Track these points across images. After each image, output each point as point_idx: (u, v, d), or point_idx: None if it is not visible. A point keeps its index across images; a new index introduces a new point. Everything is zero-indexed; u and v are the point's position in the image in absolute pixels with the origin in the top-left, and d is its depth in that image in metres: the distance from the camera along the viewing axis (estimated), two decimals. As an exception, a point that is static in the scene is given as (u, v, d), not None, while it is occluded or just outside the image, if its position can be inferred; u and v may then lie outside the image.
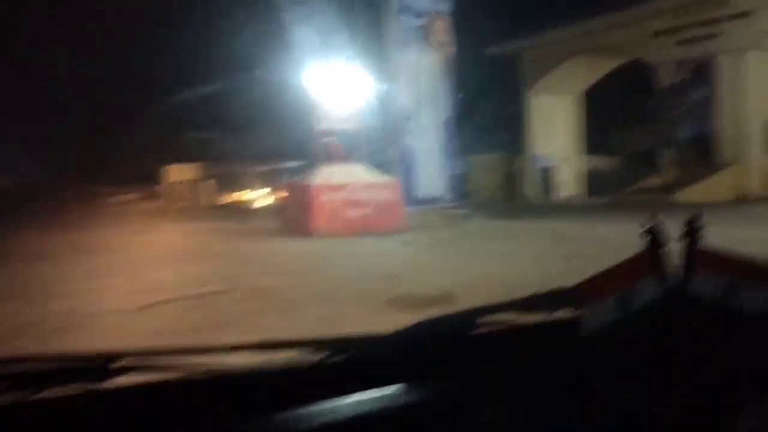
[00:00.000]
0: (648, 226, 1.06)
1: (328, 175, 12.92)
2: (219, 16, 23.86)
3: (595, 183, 33.08)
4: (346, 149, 13.62)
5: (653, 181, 23.28)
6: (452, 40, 14.60)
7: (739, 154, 21.46)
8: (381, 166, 13.48)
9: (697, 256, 1.01)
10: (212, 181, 25.04)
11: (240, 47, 21.44)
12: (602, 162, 35.36)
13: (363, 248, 10.34)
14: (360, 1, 13.49)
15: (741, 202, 20.93)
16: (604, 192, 31.42)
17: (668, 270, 1.02)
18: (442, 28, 14.36)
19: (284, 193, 14.14)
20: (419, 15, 13.74)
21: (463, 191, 15.21)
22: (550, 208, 21.80)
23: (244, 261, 9.19)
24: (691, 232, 1.03)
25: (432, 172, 13.78)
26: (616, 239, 10.59)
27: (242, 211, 20.38)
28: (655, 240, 1.05)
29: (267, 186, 24.61)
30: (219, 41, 22.58)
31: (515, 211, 19.93)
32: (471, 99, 31.62)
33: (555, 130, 29.59)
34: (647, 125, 23.66)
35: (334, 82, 13.06)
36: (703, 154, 22.33)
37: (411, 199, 13.17)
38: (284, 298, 6.31)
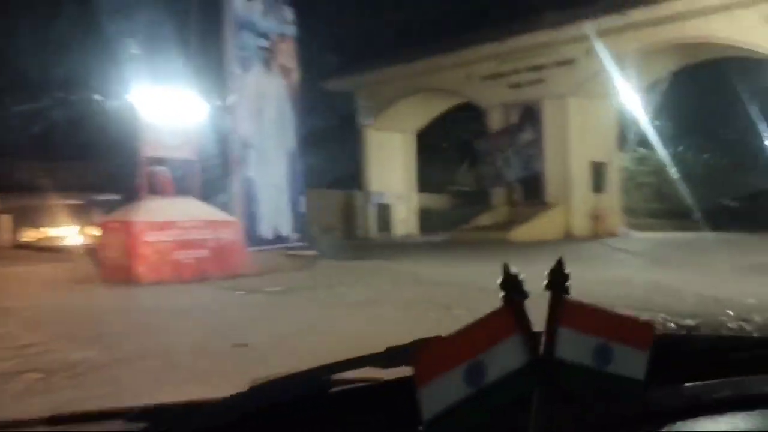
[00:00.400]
0: (505, 276, 0.89)
1: (154, 211, 11.07)
2: (28, 25, 20.69)
3: (427, 221, 33.64)
4: (176, 181, 11.88)
5: (486, 219, 23.75)
6: (297, 66, 13.51)
7: (566, 193, 22.57)
8: (218, 201, 11.88)
9: (563, 311, 0.87)
10: (8, 216, 21.45)
11: (50, 63, 18.65)
12: (435, 200, 36.12)
13: (200, 300, 8.72)
14: (196, 16, 11.96)
15: (568, 239, 21.96)
16: (436, 230, 31.96)
17: (530, 330, 0.87)
18: (287, 52, 13.23)
19: (101, 232, 11.96)
20: (262, 35, 12.48)
21: (306, 229, 13.98)
22: (393, 246, 21.29)
23: (46, 321, 7.17)
24: (556, 282, 0.89)
25: (276, 208, 12.44)
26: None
27: (46, 251, 17.42)
28: (513, 292, 0.88)
29: (79, 222, 21.55)
30: (25, 54, 19.47)
31: (361, 250, 19.09)
32: (313, 131, 30.94)
33: (391, 167, 29.57)
34: (480, 165, 24.16)
35: (164, 105, 11.34)
36: (532, 194, 23.22)
37: (253, 238, 11.71)
38: (103, 380, 4.63)
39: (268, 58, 12.66)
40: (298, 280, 10.43)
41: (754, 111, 32.72)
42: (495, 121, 24.31)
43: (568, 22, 21.07)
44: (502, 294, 0.88)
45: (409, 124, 29.86)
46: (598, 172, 23.25)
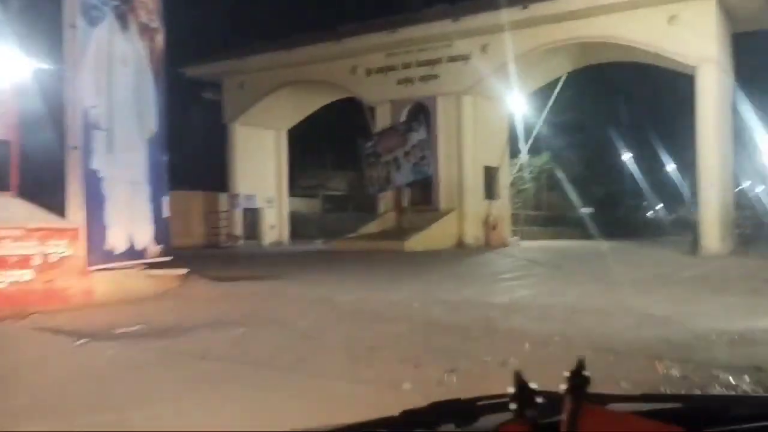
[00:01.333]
0: (518, 389, 0.86)
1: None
2: None
3: (300, 227, 30.80)
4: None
5: (374, 227, 21.49)
6: (162, 26, 10.34)
7: (459, 200, 20.84)
8: (49, 200, 8.53)
9: (584, 420, 0.82)
10: None
11: None
12: (308, 205, 33.34)
13: (28, 354, 5.54)
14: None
15: (461, 249, 20.25)
16: (309, 237, 29.22)
17: None
18: (149, 7, 10.04)
19: None
20: (116, -18, 9.25)
21: (170, 240, 10.79)
22: (268, 257, 18.27)
23: None
24: (577, 387, 0.85)
25: (131, 212, 9.23)
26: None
27: None
28: (527, 407, 0.85)
29: None
30: None
31: (233, 263, 15.99)
32: (172, 123, 26.83)
33: (261, 167, 26.44)
34: (365, 168, 21.86)
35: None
36: (423, 200, 21.30)
37: (99, 252, 8.47)
38: None
39: (123, 12, 9.45)
40: (164, 314, 7.39)
41: (638, 119, 33.59)
42: (383, 119, 22.14)
43: (463, 15, 19.34)
44: (513, 406, 0.86)
45: (283, 120, 26.93)
46: (491, 178, 21.80)
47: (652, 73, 23.71)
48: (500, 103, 21.32)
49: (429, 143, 20.82)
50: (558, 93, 22.19)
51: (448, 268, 13.67)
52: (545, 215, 28.83)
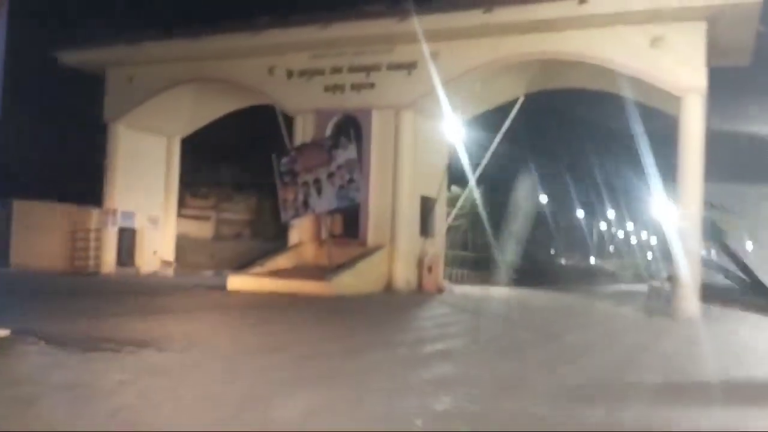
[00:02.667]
0: None
1: None
2: None
3: (189, 254, 26.17)
4: None
5: (286, 260, 17.54)
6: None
7: (391, 234, 17.41)
8: None
9: None
10: None
11: None
12: (200, 228, 28.64)
13: None
14: None
15: (391, 294, 16.77)
16: (199, 266, 24.71)
17: None
18: None
19: None
20: None
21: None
22: (152, 294, 13.67)
23: None
24: None
25: None
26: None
27: None
28: None
29: None
30: None
31: (100, 301, 11.55)
32: (34, 115, 21.65)
33: (146, 179, 21.81)
34: (280, 188, 17.95)
35: None
36: (349, 231, 17.66)
37: None
38: None
39: None
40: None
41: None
42: (304, 132, 18.44)
43: (412, 14, 16.15)
44: None
45: (177, 125, 22.49)
46: (428, 211, 18.57)
47: (596, 104, 21.86)
48: (443, 123, 18.26)
49: (359, 164, 17.31)
50: (494, 119, 19.57)
51: (388, 323, 10.10)
52: (475, 257, 25.99)
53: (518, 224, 27.96)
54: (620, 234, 53.90)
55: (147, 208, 22.19)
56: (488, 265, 26.29)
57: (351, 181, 17.32)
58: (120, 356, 5.97)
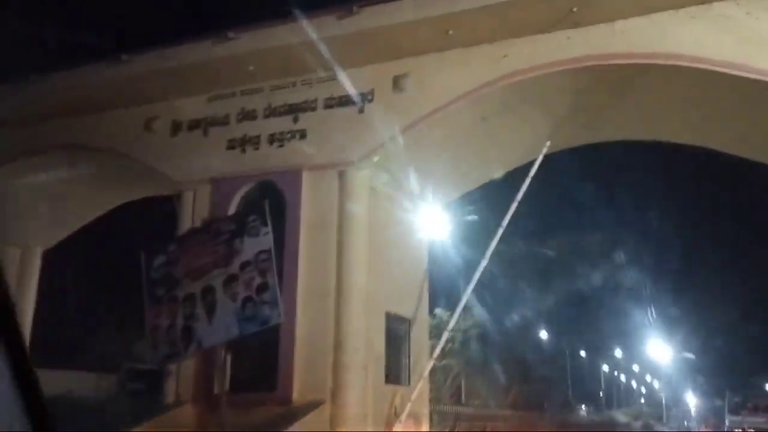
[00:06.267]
0: None
1: None
2: None
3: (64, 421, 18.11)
4: None
5: (158, 427, 9.75)
6: None
7: (333, 382, 9.79)
8: None
9: None
10: None
11: None
12: (85, 381, 20.47)
13: None
14: None
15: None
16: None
17: None
18: None
19: None
20: None
21: None
22: None
23: None
24: None
25: None
26: None
27: None
28: None
29: None
30: None
31: None
32: None
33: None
34: (147, 306, 10.43)
35: None
36: (258, 380, 10.05)
37: None
38: None
39: None
40: None
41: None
42: (195, 213, 11.37)
43: (366, 5, 9.73)
44: None
45: (32, 229, 15.34)
46: (399, 340, 11.13)
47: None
48: (419, 203, 11.40)
49: (278, 260, 9.98)
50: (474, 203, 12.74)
51: None
52: (470, 414, 17.84)
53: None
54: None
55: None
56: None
57: (264, 289, 9.86)
58: None
